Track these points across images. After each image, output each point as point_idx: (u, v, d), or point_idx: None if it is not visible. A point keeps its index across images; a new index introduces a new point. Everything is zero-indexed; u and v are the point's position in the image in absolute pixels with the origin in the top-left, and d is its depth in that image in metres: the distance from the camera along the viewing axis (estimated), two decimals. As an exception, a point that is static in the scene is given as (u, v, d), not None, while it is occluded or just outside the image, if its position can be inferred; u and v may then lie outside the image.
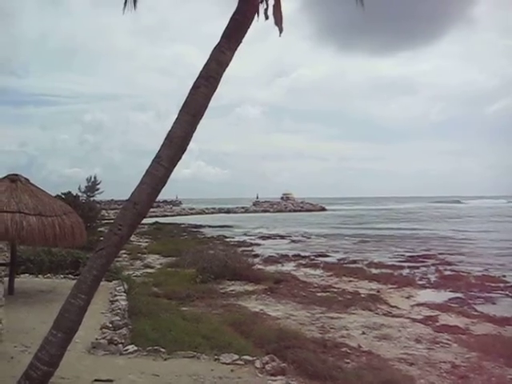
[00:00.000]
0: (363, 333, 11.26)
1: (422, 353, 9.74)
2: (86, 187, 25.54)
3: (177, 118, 4.69)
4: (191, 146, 4.81)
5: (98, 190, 26.15)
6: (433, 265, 23.55)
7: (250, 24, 4.92)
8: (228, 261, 18.54)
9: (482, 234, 43.28)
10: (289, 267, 22.81)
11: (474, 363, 9.04)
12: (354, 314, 13.25)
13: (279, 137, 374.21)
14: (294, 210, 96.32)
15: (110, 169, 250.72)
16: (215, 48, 4.78)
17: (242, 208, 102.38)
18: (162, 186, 4.66)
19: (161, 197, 5.42)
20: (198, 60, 4.87)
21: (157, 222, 51.40)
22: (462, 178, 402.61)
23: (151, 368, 6.25)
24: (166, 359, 6.67)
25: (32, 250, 13.58)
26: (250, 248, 30.80)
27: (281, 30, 5.12)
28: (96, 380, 5.65)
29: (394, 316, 13.16)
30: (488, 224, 56.29)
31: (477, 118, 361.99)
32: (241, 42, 4.87)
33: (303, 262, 24.27)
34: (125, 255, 23.99)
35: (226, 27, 4.85)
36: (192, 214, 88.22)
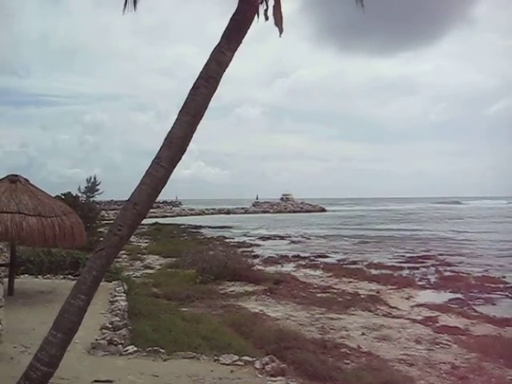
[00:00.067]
0: (363, 333, 11.25)
1: (421, 353, 9.74)
2: (85, 188, 25.46)
3: (177, 119, 4.68)
4: (191, 146, 4.81)
5: (97, 190, 26.06)
6: (433, 265, 23.53)
7: (250, 24, 4.92)
8: (228, 261, 18.54)
9: (482, 234, 43.28)
10: (288, 268, 22.83)
11: (473, 364, 9.04)
12: (353, 314, 13.25)
13: (279, 137, 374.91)
14: (294, 211, 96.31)
15: (109, 169, 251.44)
16: (215, 48, 4.78)
17: (242, 209, 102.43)
18: (162, 187, 4.66)
19: (161, 197, 5.42)
20: (199, 60, 4.88)
21: (157, 223, 51.42)
22: (462, 179, 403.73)
23: (151, 369, 6.24)
24: (165, 360, 6.66)
25: (32, 251, 13.58)
26: (249, 249, 30.82)
27: (281, 31, 5.12)
28: (96, 381, 5.65)
29: (393, 317, 13.16)
30: (488, 225, 56.31)
31: (477, 119, 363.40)
32: (241, 42, 4.86)
33: (303, 263, 24.28)
34: (124, 256, 23.99)
35: (226, 28, 4.84)
36: (192, 214, 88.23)
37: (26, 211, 9.73)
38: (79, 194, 24.01)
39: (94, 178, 25.95)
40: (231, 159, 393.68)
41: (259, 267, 21.44)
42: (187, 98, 4.70)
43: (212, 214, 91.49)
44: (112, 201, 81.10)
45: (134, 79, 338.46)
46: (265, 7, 5.08)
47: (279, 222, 64.05)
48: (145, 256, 26.05)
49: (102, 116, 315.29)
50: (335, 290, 16.95)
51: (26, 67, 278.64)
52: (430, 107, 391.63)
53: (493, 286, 18.03)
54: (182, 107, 4.70)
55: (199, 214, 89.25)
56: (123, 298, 10.33)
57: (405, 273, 21.52)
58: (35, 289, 11.15)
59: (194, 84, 4.72)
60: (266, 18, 5.07)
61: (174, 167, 4.68)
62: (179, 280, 17.33)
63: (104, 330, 7.64)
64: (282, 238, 40.67)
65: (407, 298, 15.96)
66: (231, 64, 4.82)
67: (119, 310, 9.18)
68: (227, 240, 36.87)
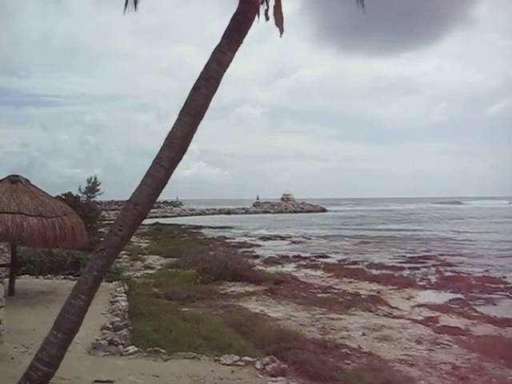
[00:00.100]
0: (363, 334, 11.24)
1: (422, 354, 9.72)
2: (86, 188, 25.46)
3: (177, 119, 4.68)
4: (192, 146, 4.81)
5: (98, 190, 26.05)
6: (433, 266, 23.52)
7: (251, 25, 4.92)
8: (228, 262, 18.53)
9: (483, 235, 43.26)
10: (289, 268, 22.81)
11: (474, 364, 9.03)
12: (354, 314, 13.24)
13: (280, 137, 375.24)
14: (295, 211, 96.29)
15: (110, 169, 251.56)
16: (216, 49, 4.78)
17: (243, 209, 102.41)
18: (163, 187, 4.66)
19: (161, 197, 5.43)
20: (199, 61, 4.88)
21: (157, 223, 51.47)
22: (463, 179, 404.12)
23: (151, 369, 6.24)
24: (166, 360, 6.67)
25: (32, 251, 13.59)
26: (250, 249, 30.81)
27: (281, 31, 5.12)
28: (96, 381, 5.65)
29: (394, 317, 13.15)
30: (488, 225, 56.29)
31: (477, 119, 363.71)
32: (241, 42, 4.86)
33: (303, 263, 24.26)
34: (125, 256, 23.99)
35: (227, 28, 4.85)
36: (192, 214, 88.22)
37: (27, 211, 9.74)
38: (80, 195, 24.03)
39: (95, 179, 25.97)
40: (232, 159, 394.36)
41: (260, 267, 21.44)
42: (188, 98, 4.70)
43: (212, 214, 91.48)
44: (113, 201, 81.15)
45: (135, 79, 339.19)
46: (265, 7, 5.08)
47: (280, 223, 64.04)
48: (145, 256, 26.04)
49: (102, 116, 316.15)
50: (336, 291, 16.94)
51: (27, 67, 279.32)
52: (430, 107, 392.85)
53: (493, 286, 18.02)
54: (183, 107, 4.70)
55: (200, 214, 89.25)
56: (124, 298, 10.34)
57: (405, 273, 21.51)
58: (36, 289, 11.16)
59: (195, 84, 4.72)
60: (267, 19, 5.07)
61: (175, 167, 4.68)
62: (180, 280, 17.34)
63: (105, 331, 7.65)
64: (282, 238, 40.63)
65: (408, 299, 15.94)
66: (232, 64, 4.82)
67: (120, 310, 9.19)
68: (228, 240, 36.85)
